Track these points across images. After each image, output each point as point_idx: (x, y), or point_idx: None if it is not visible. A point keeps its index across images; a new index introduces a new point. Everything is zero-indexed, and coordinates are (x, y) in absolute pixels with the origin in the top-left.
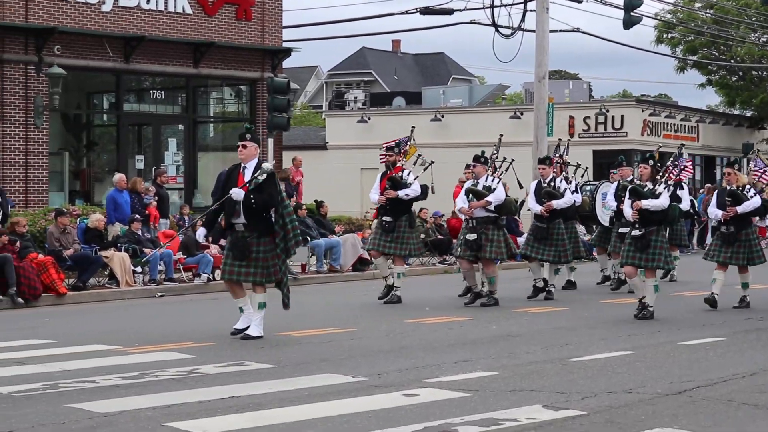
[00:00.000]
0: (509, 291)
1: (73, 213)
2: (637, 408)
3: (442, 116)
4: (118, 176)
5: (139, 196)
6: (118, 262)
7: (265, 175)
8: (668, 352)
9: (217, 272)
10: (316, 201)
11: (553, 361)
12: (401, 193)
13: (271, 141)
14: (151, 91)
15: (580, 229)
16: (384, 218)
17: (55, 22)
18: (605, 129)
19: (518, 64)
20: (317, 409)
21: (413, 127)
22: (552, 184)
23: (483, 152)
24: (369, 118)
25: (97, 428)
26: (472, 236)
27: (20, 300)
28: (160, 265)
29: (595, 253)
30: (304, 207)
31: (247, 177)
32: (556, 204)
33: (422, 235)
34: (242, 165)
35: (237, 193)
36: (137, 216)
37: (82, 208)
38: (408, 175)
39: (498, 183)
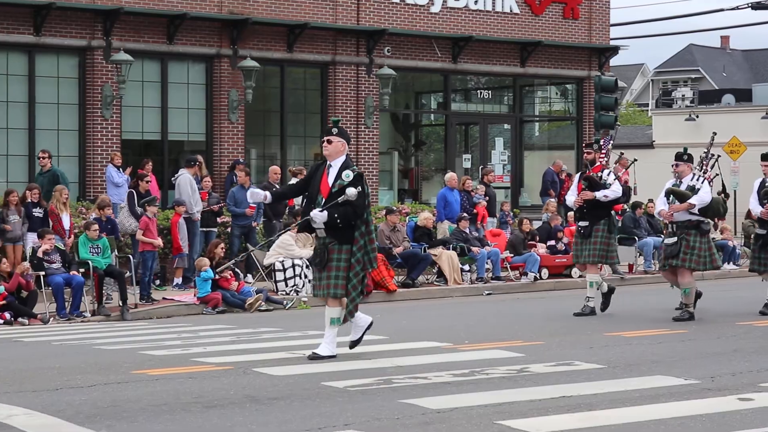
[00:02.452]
0: None
1: (402, 211)
2: None
3: None
4: (450, 174)
5: (468, 194)
6: (447, 260)
7: (351, 177)
8: None
9: (544, 271)
10: (648, 199)
11: None
12: (599, 194)
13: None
14: (477, 91)
15: None
16: (580, 223)
17: (386, 24)
18: None
19: None
20: (649, 411)
21: (618, 125)
22: None
23: (686, 149)
24: (697, 116)
25: (431, 424)
26: (671, 240)
27: None
28: (487, 263)
29: None
30: (642, 206)
31: (332, 178)
32: None
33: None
34: (328, 163)
35: (316, 216)
36: (465, 214)
37: (411, 206)
38: (608, 174)
39: (703, 183)
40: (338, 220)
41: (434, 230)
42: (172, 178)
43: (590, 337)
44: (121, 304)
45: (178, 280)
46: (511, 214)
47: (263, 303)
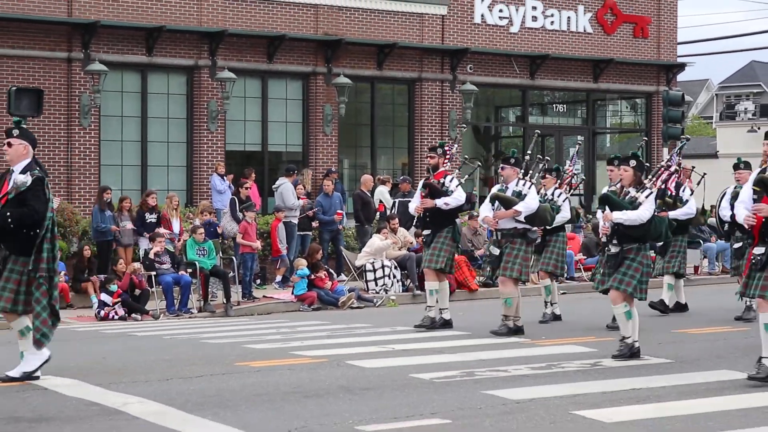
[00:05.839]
0: None
1: None
2: None
3: None
4: None
5: None
6: None
7: (29, 181)
8: None
9: None
10: (710, 206)
11: None
12: (439, 202)
13: (665, 150)
14: (553, 105)
15: None
16: (424, 232)
17: (468, 43)
18: None
19: None
20: (715, 402)
21: (464, 126)
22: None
23: (514, 152)
24: (758, 128)
25: (511, 414)
26: (496, 251)
27: None
28: None
29: None
30: (706, 213)
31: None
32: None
33: None
34: (10, 169)
35: None
36: None
37: None
38: (450, 181)
39: (530, 188)
40: (9, 220)
41: None
42: (273, 186)
43: (659, 334)
44: (225, 302)
45: (279, 278)
46: (584, 219)
47: (355, 301)
